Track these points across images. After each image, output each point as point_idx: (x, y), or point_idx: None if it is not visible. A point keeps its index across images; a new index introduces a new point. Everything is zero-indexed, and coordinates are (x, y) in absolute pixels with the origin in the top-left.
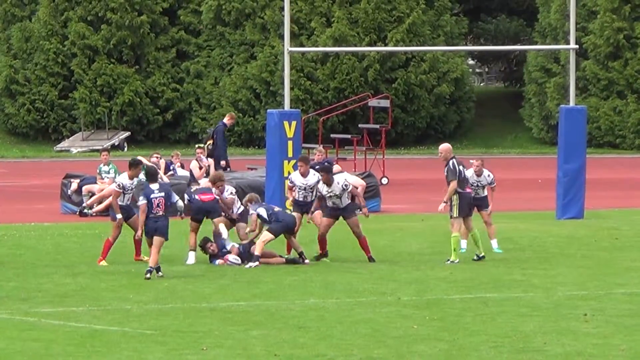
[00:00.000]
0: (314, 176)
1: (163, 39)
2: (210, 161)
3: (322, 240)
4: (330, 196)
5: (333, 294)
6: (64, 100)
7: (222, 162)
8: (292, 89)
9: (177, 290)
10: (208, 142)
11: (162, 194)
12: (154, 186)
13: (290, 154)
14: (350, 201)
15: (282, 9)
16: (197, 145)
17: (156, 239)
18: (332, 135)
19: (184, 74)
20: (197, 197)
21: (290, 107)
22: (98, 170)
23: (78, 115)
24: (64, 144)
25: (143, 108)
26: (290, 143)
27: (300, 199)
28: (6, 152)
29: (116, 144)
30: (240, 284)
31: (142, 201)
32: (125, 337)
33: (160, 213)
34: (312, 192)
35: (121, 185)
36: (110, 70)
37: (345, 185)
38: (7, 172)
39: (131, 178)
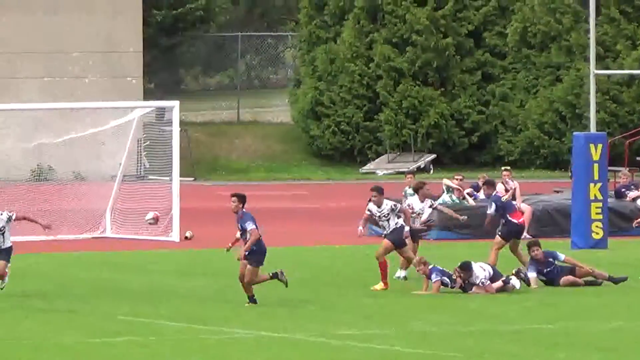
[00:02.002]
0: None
1: (468, 61)
2: (516, 184)
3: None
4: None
5: (638, 316)
6: (369, 122)
7: None
8: (597, 111)
9: (479, 312)
10: None
11: None
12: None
13: (596, 177)
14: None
15: (588, 31)
16: (503, 168)
17: None
18: (637, 158)
19: (489, 97)
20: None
21: (596, 130)
22: (403, 193)
23: (383, 137)
24: (369, 166)
25: (449, 130)
26: (596, 166)
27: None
28: (311, 174)
29: (422, 166)
30: (542, 306)
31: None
32: None
33: None
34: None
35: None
36: (415, 92)
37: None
38: (308, 194)
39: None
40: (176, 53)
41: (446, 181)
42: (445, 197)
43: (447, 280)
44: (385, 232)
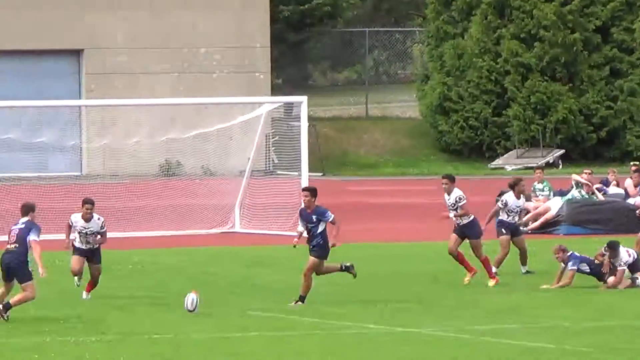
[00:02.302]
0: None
1: (596, 56)
2: None
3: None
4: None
5: None
6: (498, 118)
7: None
8: None
9: (615, 308)
10: None
11: None
12: None
13: None
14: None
15: None
16: (632, 163)
17: None
18: None
19: (617, 92)
20: None
21: None
22: (532, 188)
23: (512, 132)
24: (498, 161)
25: (577, 126)
26: None
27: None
28: (440, 169)
29: (551, 161)
30: None
31: None
32: (564, 355)
33: None
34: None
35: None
36: (543, 87)
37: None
38: (437, 189)
39: None
40: (304, 48)
41: (575, 176)
42: (575, 192)
43: (586, 267)
44: (458, 221)
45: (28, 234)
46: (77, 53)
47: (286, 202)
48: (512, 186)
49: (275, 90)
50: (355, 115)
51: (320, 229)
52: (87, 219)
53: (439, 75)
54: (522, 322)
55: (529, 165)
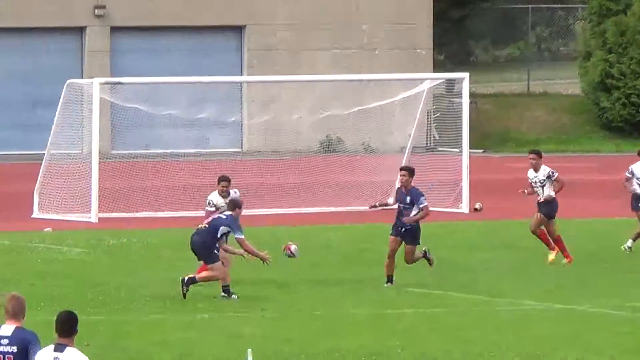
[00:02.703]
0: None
1: None
2: None
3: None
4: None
5: None
6: None
7: None
8: None
9: None
10: None
11: None
12: None
13: None
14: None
15: None
16: None
17: None
18: None
19: None
20: None
21: None
22: None
23: None
24: None
25: None
26: None
27: None
28: (601, 147)
29: None
30: None
31: None
32: None
33: None
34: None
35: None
36: None
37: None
38: (598, 166)
39: None
40: (466, 25)
41: None
42: None
43: None
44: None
45: (223, 226)
46: (238, 29)
47: (447, 179)
48: None
49: (437, 67)
50: (517, 92)
51: (412, 214)
52: (224, 195)
53: (600, 52)
54: None
55: None
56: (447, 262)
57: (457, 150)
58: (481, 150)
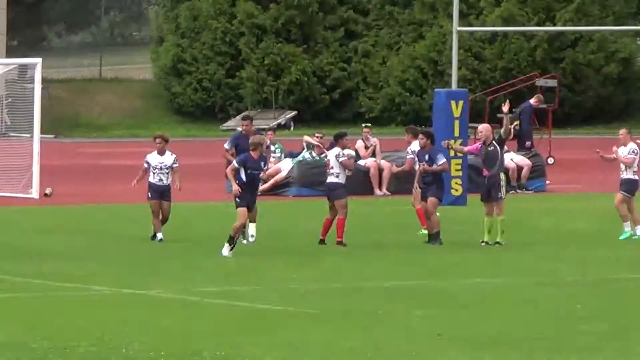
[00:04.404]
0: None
1: (331, 18)
2: (376, 140)
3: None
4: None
5: (498, 273)
6: (231, 80)
7: (527, 143)
8: (459, 68)
9: (341, 270)
10: (515, 123)
11: None
12: None
13: (456, 134)
14: None
15: None
16: (363, 125)
17: None
18: (498, 115)
19: (351, 53)
20: None
21: (458, 87)
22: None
23: (245, 94)
24: (230, 123)
25: (310, 87)
26: (456, 123)
27: None
28: (172, 131)
29: (282, 123)
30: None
31: None
32: (289, 317)
33: None
34: None
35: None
36: (277, 49)
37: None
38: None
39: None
40: (40, 10)
41: (307, 138)
42: (305, 154)
43: None
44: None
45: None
46: None
47: (18, 164)
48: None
49: (11, 52)
50: (89, 77)
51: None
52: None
53: (173, 37)
54: (250, 284)
55: (261, 126)
56: (15, 247)
57: (28, 135)
58: (52, 136)
